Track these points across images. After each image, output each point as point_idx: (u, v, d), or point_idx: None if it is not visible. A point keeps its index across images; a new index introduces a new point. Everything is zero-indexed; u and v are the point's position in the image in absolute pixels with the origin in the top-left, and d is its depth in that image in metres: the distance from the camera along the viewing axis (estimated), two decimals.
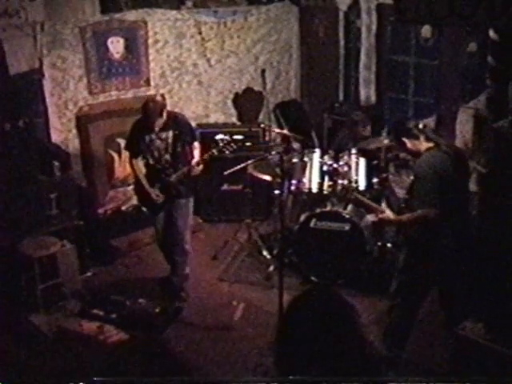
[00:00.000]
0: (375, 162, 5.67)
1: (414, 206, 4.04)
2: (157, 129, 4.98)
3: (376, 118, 6.49)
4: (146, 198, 5.19)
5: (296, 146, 5.94)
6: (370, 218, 5.65)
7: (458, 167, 4.05)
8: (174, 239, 5.26)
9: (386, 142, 5.65)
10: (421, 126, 4.10)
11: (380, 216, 4.26)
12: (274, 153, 5.64)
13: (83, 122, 5.98)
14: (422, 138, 4.05)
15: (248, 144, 6.34)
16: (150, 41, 6.30)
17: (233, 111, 7.13)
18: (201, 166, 5.08)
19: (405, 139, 4.04)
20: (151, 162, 5.11)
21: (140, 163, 5.18)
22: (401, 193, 5.70)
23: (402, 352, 4.36)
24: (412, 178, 5.52)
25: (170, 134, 5.03)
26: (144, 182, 5.14)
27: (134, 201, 6.01)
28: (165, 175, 5.09)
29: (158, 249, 5.61)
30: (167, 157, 5.08)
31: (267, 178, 5.63)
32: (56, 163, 5.52)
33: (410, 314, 4.30)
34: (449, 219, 3.98)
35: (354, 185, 5.34)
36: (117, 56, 6.10)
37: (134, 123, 5.20)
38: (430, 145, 4.03)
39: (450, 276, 4.21)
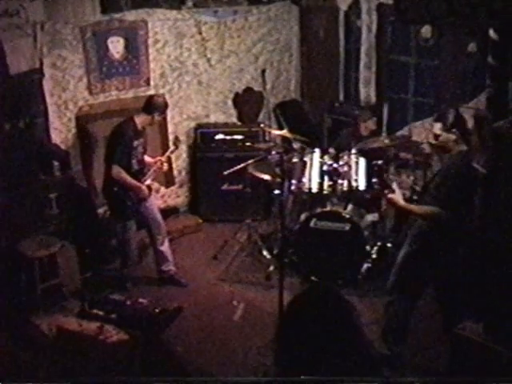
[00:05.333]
0: (375, 161, 5.66)
1: (427, 200, 4.02)
2: (140, 128, 5.24)
3: (376, 117, 6.46)
4: (124, 201, 5.27)
5: (296, 145, 5.93)
6: (370, 217, 5.66)
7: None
8: (156, 231, 5.49)
9: (386, 141, 5.65)
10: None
11: (389, 196, 4.15)
12: (273, 153, 5.65)
13: (83, 122, 5.97)
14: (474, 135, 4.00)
15: (248, 144, 6.36)
16: (150, 41, 6.29)
17: (233, 111, 7.13)
18: (166, 164, 5.59)
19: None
20: (135, 166, 5.26)
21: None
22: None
23: (402, 349, 4.37)
24: (412, 177, 5.56)
25: (143, 137, 5.33)
26: (133, 181, 5.22)
27: None
28: (142, 176, 5.32)
29: None
30: (141, 158, 5.35)
31: (267, 177, 5.63)
32: (56, 163, 5.53)
33: (408, 310, 4.31)
34: (463, 224, 3.98)
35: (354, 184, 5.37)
36: (117, 56, 6.10)
37: (121, 131, 5.21)
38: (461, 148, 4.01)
39: (447, 275, 4.22)
